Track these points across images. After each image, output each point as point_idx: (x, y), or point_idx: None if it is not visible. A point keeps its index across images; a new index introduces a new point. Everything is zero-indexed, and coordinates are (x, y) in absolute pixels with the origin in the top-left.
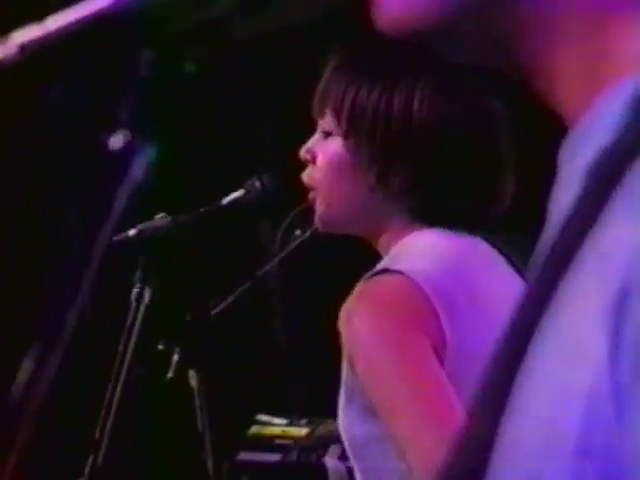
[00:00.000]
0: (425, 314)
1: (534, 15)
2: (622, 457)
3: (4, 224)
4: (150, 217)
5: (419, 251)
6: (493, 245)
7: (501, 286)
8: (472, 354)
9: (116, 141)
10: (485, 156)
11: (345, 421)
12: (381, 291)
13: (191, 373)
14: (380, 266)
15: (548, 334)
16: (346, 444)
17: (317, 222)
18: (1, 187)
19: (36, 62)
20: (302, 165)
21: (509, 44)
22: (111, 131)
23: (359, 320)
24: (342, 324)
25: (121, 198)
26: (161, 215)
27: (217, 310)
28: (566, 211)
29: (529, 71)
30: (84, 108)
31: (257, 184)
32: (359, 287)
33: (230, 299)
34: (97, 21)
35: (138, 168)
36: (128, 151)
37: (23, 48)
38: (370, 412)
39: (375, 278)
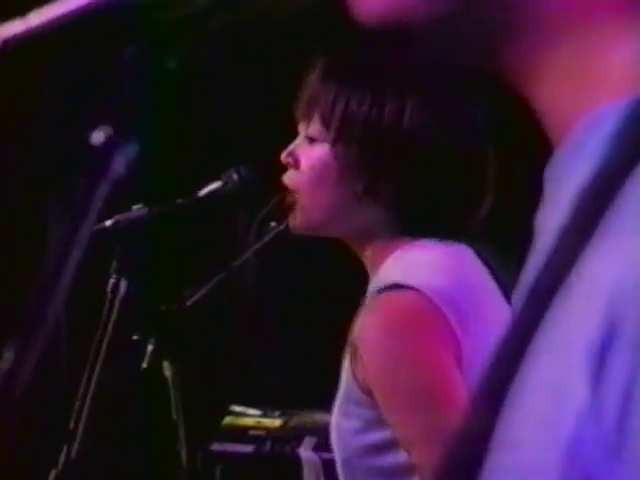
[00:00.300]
0: (443, 330)
1: (521, 17)
2: None
3: None
4: (127, 208)
5: (424, 264)
6: (476, 252)
7: (489, 294)
8: (478, 366)
9: (98, 136)
10: (471, 166)
11: (341, 431)
12: (398, 308)
13: (165, 364)
14: (387, 279)
15: (533, 367)
16: (341, 452)
17: (293, 225)
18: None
19: (19, 57)
20: (280, 158)
21: (496, 45)
22: (93, 126)
23: (379, 339)
24: (358, 340)
25: (102, 193)
26: (138, 206)
27: (192, 301)
28: (556, 235)
29: (515, 76)
30: (66, 103)
31: (234, 176)
32: (373, 302)
33: (204, 290)
34: (79, 17)
35: (119, 164)
36: (109, 147)
37: (5, 43)
38: (371, 424)
39: (388, 294)
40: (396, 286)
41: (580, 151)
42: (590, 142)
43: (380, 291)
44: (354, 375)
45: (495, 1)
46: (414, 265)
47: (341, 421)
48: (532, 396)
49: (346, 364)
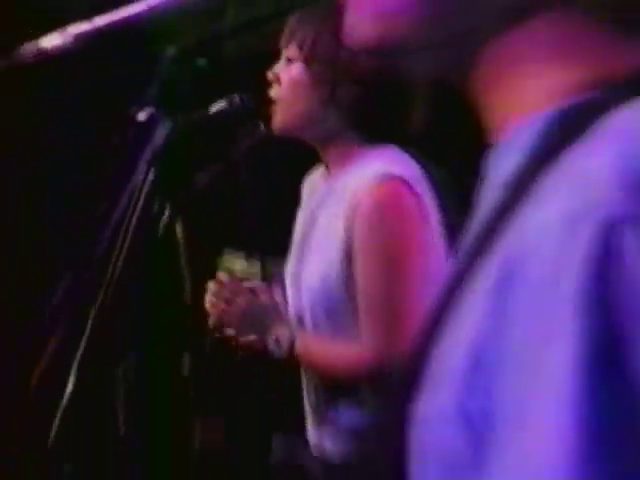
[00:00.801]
0: (427, 219)
1: (483, 56)
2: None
3: (38, 186)
4: None
5: (400, 160)
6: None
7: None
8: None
9: (143, 115)
10: (403, 88)
11: (325, 284)
12: (393, 194)
13: (177, 227)
14: (377, 170)
15: (459, 303)
16: (325, 302)
17: (274, 127)
18: (42, 151)
19: (85, 51)
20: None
21: (464, 70)
22: (140, 107)
23: (376, 215)
24: (357, 214)
25: (146, 158)
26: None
27: (200, 185)
28: (489, 210)
29: (469, 89)
30: (119, 89)
31: (237, 99)
32: (369, 187)
33: (209, 178)
34: (131, 23)
35: (159, 137)
36: (152, 122)
37: (77, 38)
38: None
39: (384, 180)
40: (386, 175)
41: (511, 145)
42: (519, 138)
43: (375, 178)
44: (347, 256)
45: (471, 43)
46: (395, 160)
47: (322, 276)
48: (456, 326)
49: (342, 246)
